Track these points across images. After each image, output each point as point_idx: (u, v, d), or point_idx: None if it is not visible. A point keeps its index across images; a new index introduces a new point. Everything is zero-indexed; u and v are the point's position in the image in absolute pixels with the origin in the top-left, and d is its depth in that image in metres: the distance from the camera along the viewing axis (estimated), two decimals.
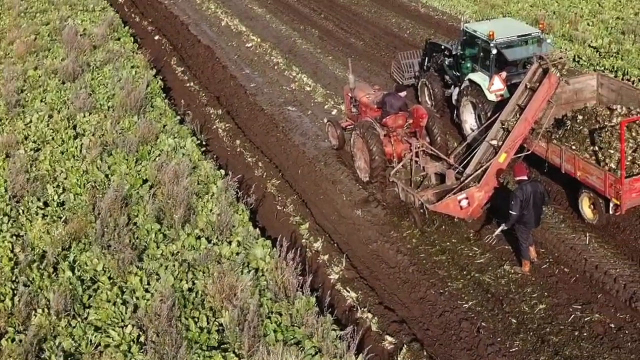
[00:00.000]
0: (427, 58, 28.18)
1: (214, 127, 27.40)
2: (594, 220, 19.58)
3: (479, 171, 20.06)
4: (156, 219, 20.18)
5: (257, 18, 40.74)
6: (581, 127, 20.89)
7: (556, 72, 20.11)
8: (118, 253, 18.19)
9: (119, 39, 36.55)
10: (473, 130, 23.73)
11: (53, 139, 25.32)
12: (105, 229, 19.31)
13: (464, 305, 17.14)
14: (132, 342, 15.70)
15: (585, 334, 16.06)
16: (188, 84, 31.92)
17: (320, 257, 19.17)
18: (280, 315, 16.36)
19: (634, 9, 36.57)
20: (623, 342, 15.85)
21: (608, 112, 21.07)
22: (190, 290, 17.32)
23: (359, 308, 17.19)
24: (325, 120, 26.07)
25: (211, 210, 20.44)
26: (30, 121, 26.80)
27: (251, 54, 35.05)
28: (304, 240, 19.91)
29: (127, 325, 16.10)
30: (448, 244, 19.45)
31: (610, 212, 18.92)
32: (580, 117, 21.43)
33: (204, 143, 25.67)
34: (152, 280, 17.54)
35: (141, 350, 15.44)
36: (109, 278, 17.73)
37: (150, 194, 21.32)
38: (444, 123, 24.30)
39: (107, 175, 22.62)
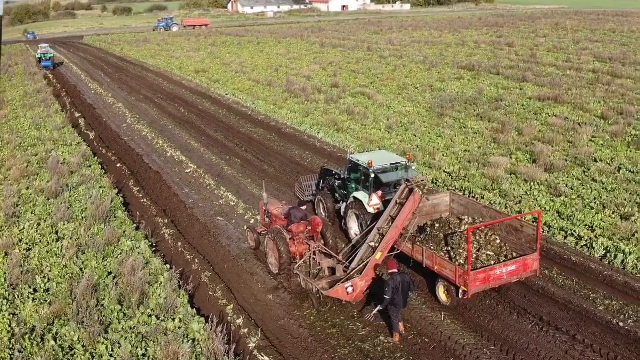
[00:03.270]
0: (322, 180, 28.38)
1: (162, 232, 27.28)
2: (447, 303, 19.82)
3: (361, 266, 20.05)
4: (118, 301, 20.18)
5: (194, 150, 40.59)
6: (438, 233, 21.36)
7: (419, 191, 20.34)
8: (89, 327, 18.26)
9: (90, 166, 36.40)
10: (357, 235, 23.91)
11: (40, 241, 25.28)
12: (80, 309, 19.31)
13: None
14: None
15: None
16: (142, 200, 31.75)
17: (242, 330, 19.18)
18: None
19: (477, 143, 37.31)
20: None
21: (458, 222, 21.68)
22: (144, 355, 17.37)
23: None
24: (245, 228, 26.32)
25: (159, 295, 20.46)
26: (24, 228, 26.74)
27: (189, 178, 34.89)
28: (229, 318, 19.88)
29: None
30: (338, 320, 19.52)
31: (460, 296, 19.24)
32: (437, 225, 21.90)
33: (154, 245, 25.51)
34: (115, 348, 17.61)
35: None
36: (83, 346, 17.74)
37: (113, 282, 21.36)
38: (334, 230, 24.77)
39: (81, 269, 22.61)
